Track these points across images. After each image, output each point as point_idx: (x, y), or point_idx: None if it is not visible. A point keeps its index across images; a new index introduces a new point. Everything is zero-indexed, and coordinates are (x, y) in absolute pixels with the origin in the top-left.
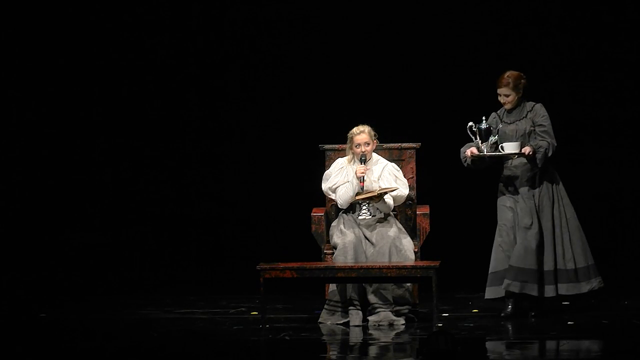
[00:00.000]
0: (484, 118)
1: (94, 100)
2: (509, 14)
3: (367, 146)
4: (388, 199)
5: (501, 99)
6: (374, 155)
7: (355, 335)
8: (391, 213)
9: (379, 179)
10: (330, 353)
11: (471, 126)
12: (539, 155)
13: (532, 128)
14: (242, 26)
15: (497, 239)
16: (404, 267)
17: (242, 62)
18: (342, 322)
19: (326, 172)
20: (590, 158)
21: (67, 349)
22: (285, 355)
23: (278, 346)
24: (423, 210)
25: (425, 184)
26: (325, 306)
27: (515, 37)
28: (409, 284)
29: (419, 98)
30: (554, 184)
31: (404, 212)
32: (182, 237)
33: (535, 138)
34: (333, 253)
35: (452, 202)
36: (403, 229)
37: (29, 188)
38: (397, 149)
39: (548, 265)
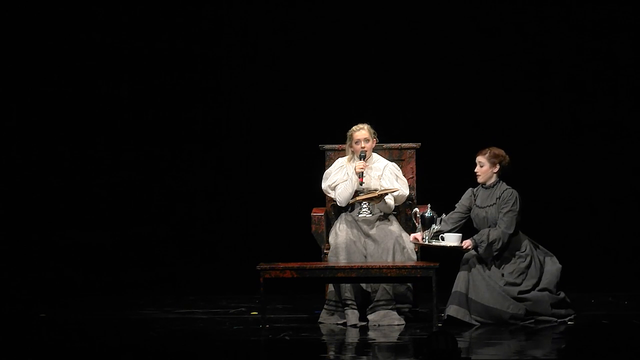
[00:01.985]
0: (429, 205)
1: (92, 100)
2: (509, 14)
3: (367, 143)
4: (389, 199)
5: (476, 169)
6: (374, 154)
7: (355, 335)
8: (392, 212)
9: (380, 179)
10: (330, 353)
11: (415, 212)
12: (480, 250)
13: None
14: (242, 26)
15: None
16: (404, 267)
17: (243, 62)
18: (341, 322)
19: (326, 171)
20: (594, 155)
21: (67, 349)
22: (285, 355)
23: (278, 346)
24: (423, 210)
25: (425, 184)
26: (325, 306)
27: (515, 37)
28: (410, 283)
29: (419, 98)
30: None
31: (404, 212)
32: (182, 237)
33: None
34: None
35: (452, 202)
36: (402, 229)
37: (28, 188)
38: (397, 149)
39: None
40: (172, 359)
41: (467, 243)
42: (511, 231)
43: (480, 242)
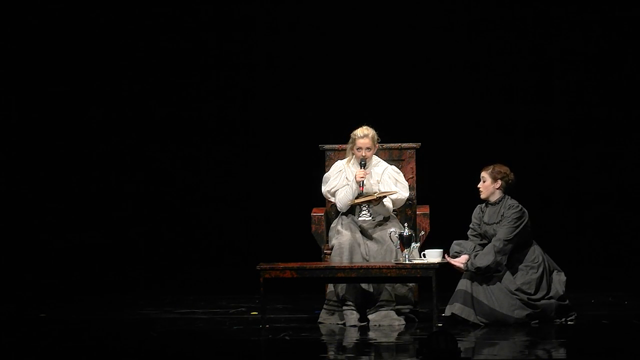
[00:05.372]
0: (405, 224)
1: (92, 101)
2: (509, 14)
3: (368, 151)
4: (387, 202)
5: (479, 184)
6: (374, 157)
7: (355, 335)
8: (392, 214)
9: (379, 183)
10: (330, 353)
11: (392, 232)
12: (466, 266)
13: None
14: (242, 26)
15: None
16: (404, 267)
17: (243, 62)
18: (341, 322)
19: (325, 175)
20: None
21: (67, 349)
22: (285, 355)
23: (278, 346)
24: (423, 210)
25: (425, 184)
26: (325, 306)
27: (515, 37)
28: (412, 284)
29: (419, 98)
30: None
31: (404, 212)
32: (183, 237)
33: None
34: (330, 254)
35: (452, 202)
36: (403, 228)
37: (28, 188)
38: (397, 149)
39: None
40: (172, 359)
41: (464, 259)
42: (509, 237)
43: (473, 268)
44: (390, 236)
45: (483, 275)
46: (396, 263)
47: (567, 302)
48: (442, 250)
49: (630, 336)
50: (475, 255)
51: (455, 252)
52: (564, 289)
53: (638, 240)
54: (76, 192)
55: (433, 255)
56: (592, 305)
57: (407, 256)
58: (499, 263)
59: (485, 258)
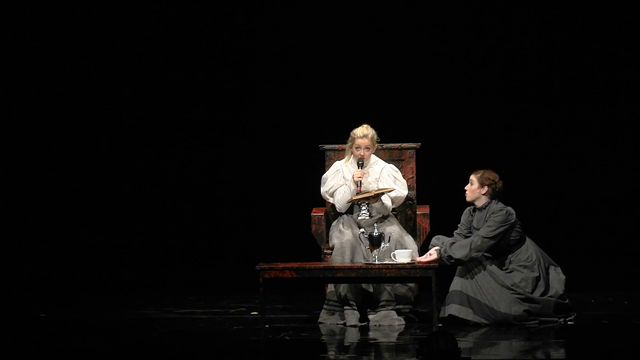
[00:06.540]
0: (375, 225)
1: (93, 101)
2: (508, 15)
3: (367, 151)
4: (386, 200)
5: (466, 187)
6: (372, 156)
7: (355, 335)
8: (391, 213)
9: (377, 181)
10: (330, 353)
11: (362, 233)
12: (446, 262)
13: None
14: (242, 25)
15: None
16: (404, 267)
17: (243, 62)
18: (341, 322)
19: (323, 176)
20: (593, 160)
21: (67, 349)
22: (285, 355)
23: (278, 346)
24: (423, 210)
25: (425, 184)
26: (325, 306)
27: (514, 36)
28: (412, 284)
29: (419, 98)
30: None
31: (404, 212)
32: (182, 237)
33: None
34: (332, 253)
35: (452, 202)
36: (403, 229)
37: (30, 188)
38: (397, 149)
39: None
40: (172, 359)
41: (433, 251)
42: (489, 235)
43: (446, 256)
44: (359, 236)
45: (455, 264)
46: (366, 264)
47: (567, 301)
48: (411, 250)
49: (630, 336)
50: (452, 244)
51: (432, 245)
52: (564, 288)
53: (638, 240)
54: (76, 191)
55: (403, 256)
56: (592, 305)
57: (376, 257)
58: (473, 258)
59: (460, 250)
